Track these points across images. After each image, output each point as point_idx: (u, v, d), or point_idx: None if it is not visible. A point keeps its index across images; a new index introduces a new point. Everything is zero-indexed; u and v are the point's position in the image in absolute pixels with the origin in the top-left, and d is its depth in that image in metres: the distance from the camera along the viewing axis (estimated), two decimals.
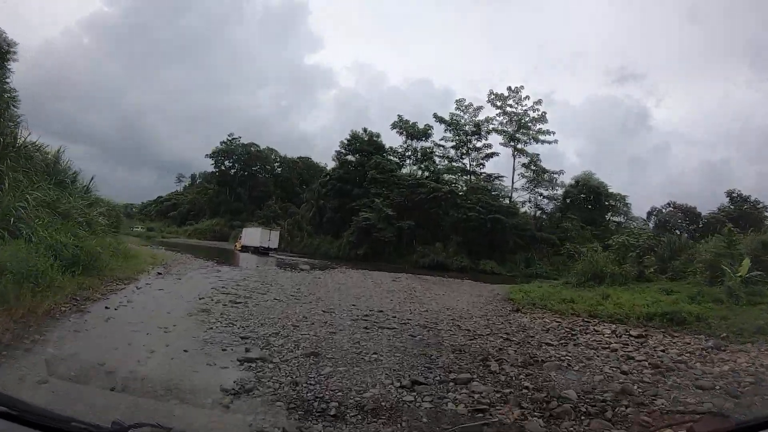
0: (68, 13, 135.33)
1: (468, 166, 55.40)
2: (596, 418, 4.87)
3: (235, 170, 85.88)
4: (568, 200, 55.34)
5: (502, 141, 54.34)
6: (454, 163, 54.92)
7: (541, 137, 53.36)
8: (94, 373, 4.93)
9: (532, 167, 54.53)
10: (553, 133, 53.26)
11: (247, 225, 55.32)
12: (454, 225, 46.23)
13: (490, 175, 54.65)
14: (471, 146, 55.18)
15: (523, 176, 54.87)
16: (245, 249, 44.57)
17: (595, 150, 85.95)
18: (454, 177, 53.56)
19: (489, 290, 18.71)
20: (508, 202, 52.53)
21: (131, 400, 4.27)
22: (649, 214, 54.93)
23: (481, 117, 54.83)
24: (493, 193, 51.52)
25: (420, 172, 51.87)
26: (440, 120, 55.51)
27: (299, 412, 4.50)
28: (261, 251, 43.12)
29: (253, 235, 45.67)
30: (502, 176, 54.34)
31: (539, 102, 53.79)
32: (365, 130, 55.39)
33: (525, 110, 54.12)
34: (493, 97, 55.26)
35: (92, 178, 19.66)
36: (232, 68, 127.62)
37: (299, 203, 68.39)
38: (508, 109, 54.66)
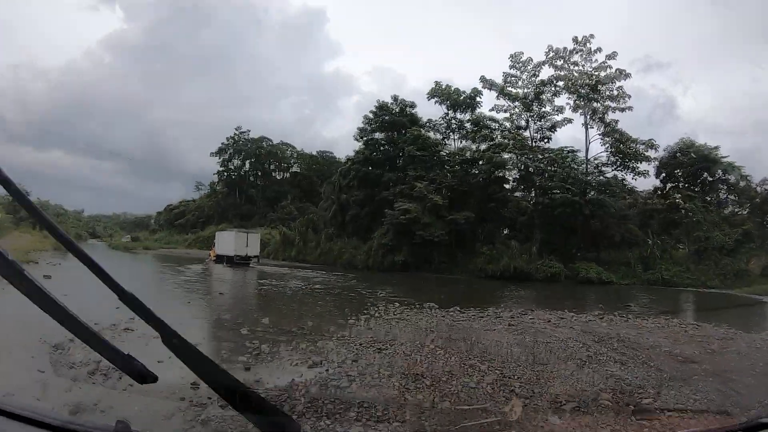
0: (89, 32, 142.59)
1: (530, 140, 41.15)
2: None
3: (246, 169, 74.37)
4: (663, 174, 40.76)
5: (571, 106, 40.10)
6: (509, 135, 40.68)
7: (616, 103, 38.68)
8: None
9: (615, 136, 39.58)
10: (629, 97, 38.59)
11: (257, 228, 42.97)
12: (531, 214, 32.48)
13: (562, 150, 40.20)
14: (533, 114, 40.80)
15: (611, 147, 39.66)
16: (220, 259, 32.79)
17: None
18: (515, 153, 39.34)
19: None
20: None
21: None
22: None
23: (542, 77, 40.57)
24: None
25: (474, 146, 37.90)
26: (490, 85, 41.22)
27: None
28: (237, 261, 31.38)
29: (226, 242, 33.89)
30: (576, 150, 39.81)
31: (613, 56, 38.96)
32: (395, 98, 42.11)
33: (595, 68, 39.56)
34: (552, 54, 40.59)
35: None
36: (252, 79, 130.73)
37: (319, 203, 56.00)
38: (574, 68, 40.23)
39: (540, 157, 38.10)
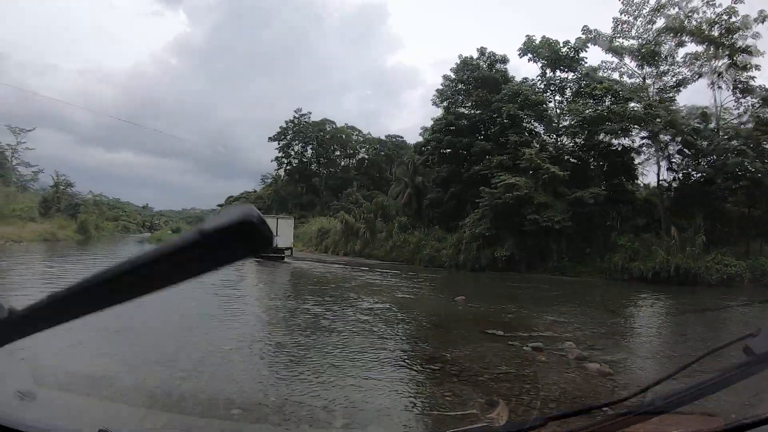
0: (155, 37, 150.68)
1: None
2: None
3: (308, 155, 68.89)
4: None
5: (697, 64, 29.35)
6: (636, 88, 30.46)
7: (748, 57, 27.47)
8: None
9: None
10: (762, 53, 27.09)
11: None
12: (697, 190, 23.09)
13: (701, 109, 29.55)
14: (652, 71, 30.57)
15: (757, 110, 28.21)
16: None
17: None
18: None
19: None
20: None
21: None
22: None
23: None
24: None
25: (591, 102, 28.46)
26: (595, 37, 31.53)
27: None
28: (264, 256, 23.92)
29: None
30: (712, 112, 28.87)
31: None
32: (482, 51, 33.49)
33: (719, 13, 28.40)
34: (664, 1, 29.99)
35: None
36: (315, 76, 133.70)
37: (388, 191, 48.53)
38: (694, 16, 29.40)
39: (683, 115, 28.18)
